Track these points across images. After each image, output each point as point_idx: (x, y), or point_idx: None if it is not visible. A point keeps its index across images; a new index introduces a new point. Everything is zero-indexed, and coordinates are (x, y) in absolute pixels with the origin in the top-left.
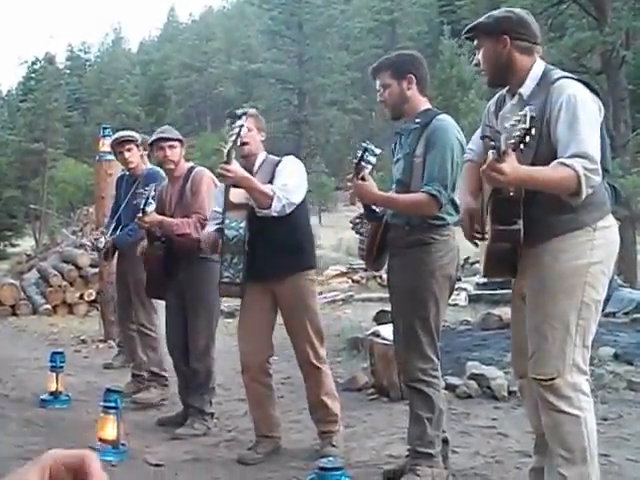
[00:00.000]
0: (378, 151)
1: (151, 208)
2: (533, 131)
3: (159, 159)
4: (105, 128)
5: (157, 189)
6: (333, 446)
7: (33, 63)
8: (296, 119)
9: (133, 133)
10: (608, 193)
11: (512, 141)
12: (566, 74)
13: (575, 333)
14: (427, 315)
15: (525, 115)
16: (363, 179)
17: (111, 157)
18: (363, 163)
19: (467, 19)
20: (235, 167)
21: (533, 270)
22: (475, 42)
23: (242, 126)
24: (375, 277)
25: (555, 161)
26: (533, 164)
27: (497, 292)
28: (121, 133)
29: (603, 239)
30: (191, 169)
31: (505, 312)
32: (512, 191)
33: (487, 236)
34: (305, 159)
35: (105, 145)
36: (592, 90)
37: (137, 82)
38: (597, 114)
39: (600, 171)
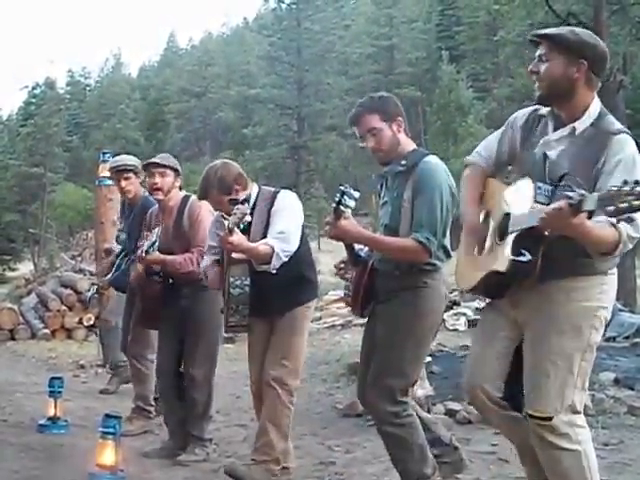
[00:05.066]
0: (357, 194)
1: (153, 250)
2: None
3: (149, 186)
4: (105, 153)
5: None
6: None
7: (33, 88)
8: (295, 144)
9: (133, 160)
10: None
11: (590, 208)
12: (624, 127)
13: (577, 374)
14: (407, 360)
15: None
16: (345, 218)
17: (110, 182)
18: (342, 207)
19: (465, 45)
20: (237, 240)
21: (542, 306)
22: (542, 49)
23: (245, 214)
24: None
25: (606, 219)
26: None
27: None
28: (120, 161)
29: (609, 285)
30: (186, 199)
31: None
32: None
33: (485, 254)
34: (304, 184)
35: (105, 170)
36: None
37: (137, 107)
38: None
39: (636, 240)
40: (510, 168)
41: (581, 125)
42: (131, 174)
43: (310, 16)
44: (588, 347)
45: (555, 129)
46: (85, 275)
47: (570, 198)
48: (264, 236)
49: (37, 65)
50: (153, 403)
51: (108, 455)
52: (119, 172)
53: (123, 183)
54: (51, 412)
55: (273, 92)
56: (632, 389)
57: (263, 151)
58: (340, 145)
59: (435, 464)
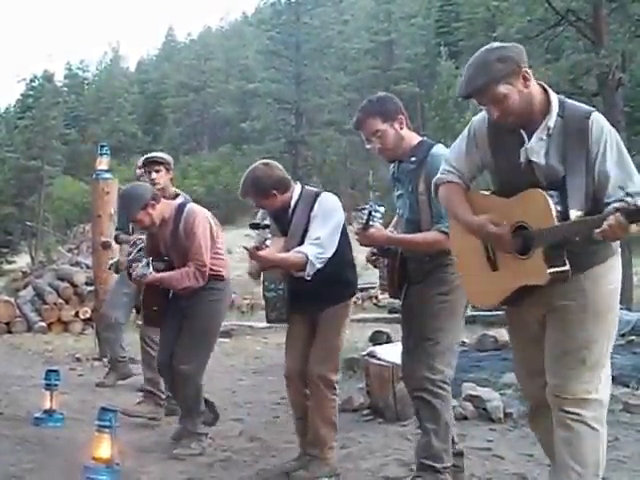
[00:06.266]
0: (382, 209)
1: (150, 270)
2: None
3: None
4: (102, 146)
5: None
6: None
7: (31, 81)
8: (293, 139)
9: (165, 155)
10: None
11: None
12: (586, 107)
13: (604, 353)
14: (441, 328)
15: None
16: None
17: (108, 175)
18: (371, 222)
19: (464, 41)
20: (265, 255)
21: (571, 294)
22: (484, 96)
23: (266, 239)
24: (371, 298)
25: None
26: (584, 201)
27: (493, 313)
28: (152, 154)
29: (619, 262)
30: (181, 207)
31: (501, 333)
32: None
33: (504, 270)
34: (302, 179)
35: (102, 163)
36: None
37: (135, 101)
38: None
39: None
40: (482, 179)
41: (552, 120)
42: (161, 167)
43: (309, 11)
44: (612, 326)
45: (528, 134)
46: (82, 268)
47: (627, 208)
48: (302, 240)
49: (35, 59)
50: (163, 389)
51: (104, 448)
52: (150, 164)
53: (153, 175)
54: (47, 405)
55: (271, 87)
56: (627, 386)
57: (261, 145)
58: (338, 140)
59: (451, 455)
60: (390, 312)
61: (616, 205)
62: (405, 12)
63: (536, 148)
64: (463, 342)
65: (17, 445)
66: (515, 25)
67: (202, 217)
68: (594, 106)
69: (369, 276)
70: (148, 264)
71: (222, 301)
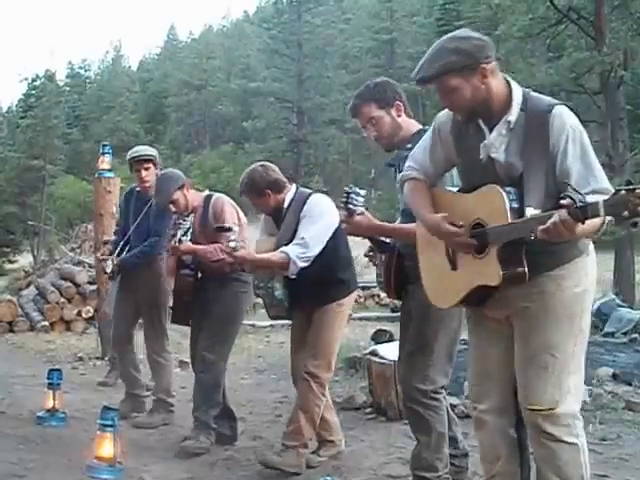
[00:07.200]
0: (363, 192)
1: (187, 239)
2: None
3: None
4: (105, 145)
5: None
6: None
7: (33, 80)
8: (295, 138)
9: (152, 151)
10: None
11: (597, 214)
12: (551, 99)
13: (571, 360)
14: (436, 335)
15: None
16: (359, 214)
17: (110, 174)
18: (351, 206)
19: None
20: (246, 255)
21: (533, 297)
22: (437, 84)
23: (231, 240)
24: (373, 296)
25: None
26: (544, 199)
27: None
28: (140, 151)
29: (592, 263)
30: (208, 198)
31: None
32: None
33: (462, 269)
34: (303, 178)
35: (104, 162)
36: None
37: (137, 100)
38: None
39: None
40: (447, 176)
41: (513, 115)
42: (151, 164)
43: (311, 9)
44: (580, 332)
45: (490, 129)
46: (84, 267)
47: (572, 206)
48: (291, 240)
49: (37, 57)
50: (174, 394)
51: (106, 447)
52: (139, 162)
53: (143, 173)
54: (49, 404)
55: (273, 85)
56: (630, 384)
57: (263, 144)
58: (340, 139)
59: (448, 461)
60: (393, 311)
61: (563, 202)
62: (407, 10)
63: (496, 144)
64: (465, 340)
65: (19, 444)
66: (517, 23)
67: (229, 204)
68: (596, 104)
69: (371, 275)
70: (187, 231)
71: (247, 294)
